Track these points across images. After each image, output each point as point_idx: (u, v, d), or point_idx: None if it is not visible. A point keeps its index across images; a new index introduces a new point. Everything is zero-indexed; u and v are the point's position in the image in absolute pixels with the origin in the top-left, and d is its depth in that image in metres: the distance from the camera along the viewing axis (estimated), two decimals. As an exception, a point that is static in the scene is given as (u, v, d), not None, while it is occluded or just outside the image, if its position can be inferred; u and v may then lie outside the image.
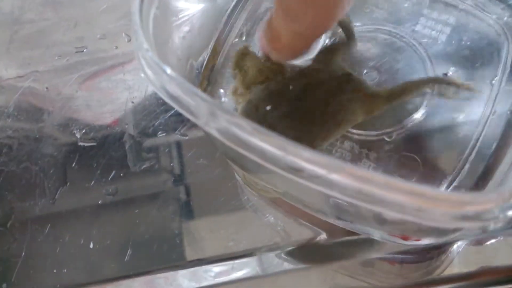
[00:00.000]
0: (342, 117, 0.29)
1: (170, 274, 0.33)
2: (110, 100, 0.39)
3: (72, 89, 0.39)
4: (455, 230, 0.29)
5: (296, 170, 0.20)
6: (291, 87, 0.29)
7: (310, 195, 0.30)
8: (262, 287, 0.33)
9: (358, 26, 0.35)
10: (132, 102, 0.38)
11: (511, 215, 0.19)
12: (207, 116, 0.22)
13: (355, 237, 0.33)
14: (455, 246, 0.33)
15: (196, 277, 0.33)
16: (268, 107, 0.28)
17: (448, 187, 0.31)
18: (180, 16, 0.29)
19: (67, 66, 0.41)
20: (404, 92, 0.30)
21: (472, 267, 0.33)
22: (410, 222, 0.19)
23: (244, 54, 0.32)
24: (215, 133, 0.22)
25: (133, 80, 0.39)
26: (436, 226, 0.20)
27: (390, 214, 0.19)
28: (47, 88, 0.40)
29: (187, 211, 0.35)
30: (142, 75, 0.23)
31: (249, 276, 0.33)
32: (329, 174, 0.20)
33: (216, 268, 0.34)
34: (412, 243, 0.30)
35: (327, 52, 0.31)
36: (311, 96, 0.29)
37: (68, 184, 0.36)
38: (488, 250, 0.33)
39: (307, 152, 0.20)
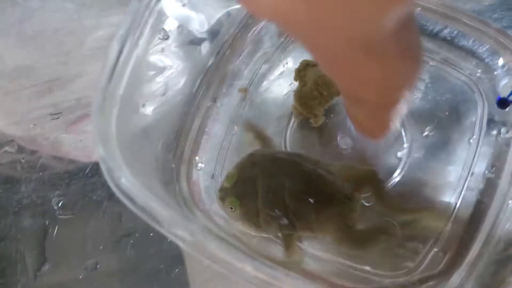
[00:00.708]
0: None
1: None
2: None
3: (47, 158, 0.39)
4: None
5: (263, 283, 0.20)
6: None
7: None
8: None
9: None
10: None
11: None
12: (169, 224, 0.21)
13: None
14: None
15: None
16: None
17: (429, 251, 0.30)
18: (146, 103, 0.29)
19: (42, 134, 0.40)
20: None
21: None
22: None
23: (308, 65, 0.32)
24: (179, 242, 0.21)
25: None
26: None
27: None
28: (23, 158, 0.39)
29: (175, 283, 0.34)
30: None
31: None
32: None
33: None
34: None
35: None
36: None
37: (48, 260, 0.36)
38: None
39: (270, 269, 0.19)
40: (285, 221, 0.28)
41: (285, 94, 0.34)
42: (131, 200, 0.22)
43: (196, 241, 0.21)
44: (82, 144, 0.40)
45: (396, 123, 0.21)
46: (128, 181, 0.22)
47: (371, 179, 0.31)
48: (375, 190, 0.30)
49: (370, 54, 0.17)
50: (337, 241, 0.29)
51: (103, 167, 0.22)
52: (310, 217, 0.28)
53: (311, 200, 0.28)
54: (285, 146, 0.33)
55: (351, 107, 0.21)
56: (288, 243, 0.29)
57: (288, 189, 0.28)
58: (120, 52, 0.24)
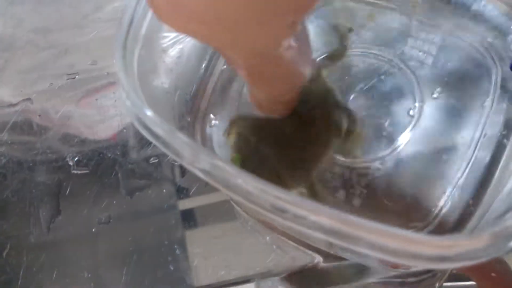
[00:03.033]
0: (321, 144, 0.29)
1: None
2: (105, 121, 0.40)
3: (65, 114, 0.40)
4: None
5: (279, 211, 0.20)
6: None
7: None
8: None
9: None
10: (124, 130, 0.39)
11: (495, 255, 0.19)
12: (191, 157, 0.22)
13: (350, 262, 0.33)
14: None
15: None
16: (258, 139, 0.29)
17: (439, 212, 0.31)
18: (166, 50, 0.29)
19: (59, 92, 0.41)
20: None
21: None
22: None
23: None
24: (199, 174, 0.22)
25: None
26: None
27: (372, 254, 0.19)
28: (39, 115, 0.40)
29: (181, 238, 0.35)
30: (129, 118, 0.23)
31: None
32: (311, 216, 0.20)
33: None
34: (402, 270, 0.30)
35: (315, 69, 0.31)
36: (297, 125, 0.29)
37: (62, 213, 0.37)
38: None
39: (288, 195, 0.20)
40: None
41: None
42: (154, 134, 0.22)
43: (217, 173, 0.21)
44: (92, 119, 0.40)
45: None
46: (151, 115, 0.22)
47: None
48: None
49: (267, 61, 0.22)
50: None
51: (125, 101, 0.23)
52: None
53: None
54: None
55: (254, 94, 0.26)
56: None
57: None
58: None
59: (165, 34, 0.31)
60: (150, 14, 0.26)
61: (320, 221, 0.19)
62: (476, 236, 0.18)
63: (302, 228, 0.20)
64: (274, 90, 0.25)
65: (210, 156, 0.22)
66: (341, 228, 0.19)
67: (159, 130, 0.22)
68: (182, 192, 0.36)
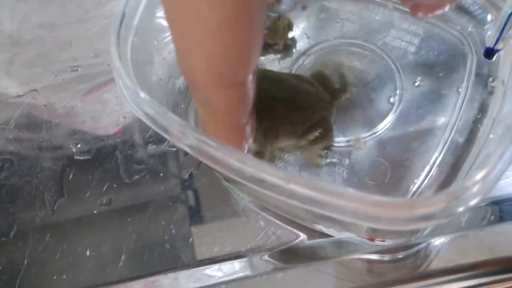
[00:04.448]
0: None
1: (163, 277, 0.36)
2: (107, 111, 0.42)
3: (69, 105, 0.42)
4: (412, 231, 0.31)
5: (257, 181, 0.22)
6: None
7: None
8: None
9: (329, 40, 0.37)
10: (124, 117, 0.41)
11: (453, 214, 0.21)
12: (178, 134, 0.24)
13: (332, 239, 0.35)
14: (436, 243, 0.35)
15: (192, 279, 0.36)
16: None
17: (417, 190, 0.33)
18: (160, 39, 0.31)
19: (63, 84, 0.43)
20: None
21: (451, 263, 0.34)
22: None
23: None
24: (186, 149, 0.24)
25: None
26: (390, 229, 0.22)
27: (347, 220, 0.21)
28: (45, 105, 0.42)
29: (177, 218, 0.37)
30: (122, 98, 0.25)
31: (241, 277, 0.35)
32: (287, 184, 0.22)
33: (210, 270, 0.36)
34: (378, 243, 0.32)
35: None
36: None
37: (65, 196, 0.39)
38: (465, 246, 0.35)
39: (267, 166, 0.22)
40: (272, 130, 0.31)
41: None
42: (145, 113, 0.24)
43: (202, 147, 0.23)
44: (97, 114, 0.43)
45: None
46: (142, 96, 0.24)
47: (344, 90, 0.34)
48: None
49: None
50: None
51: (119, 83, 0.25)
52: (297, 125, 0.31)
53: (298, 110, 0.31)
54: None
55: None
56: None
57: (279, 102, 0.31)
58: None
59: (160, 26, 0.33)
60: (142, 6, 0.28)
61: (293, 189, 0.21)
62: (433, 198, 0.20)
63: (279, 196, 0.22)
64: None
65: (196, 132, 0.24)
66: (311, 194, 0.21)
67: (149, 109, 0.24)
68: (177, 176, 0.38)
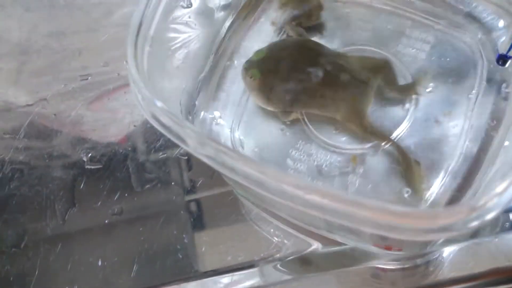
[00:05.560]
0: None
1: (176, 287, 0.36)
2: (117, 120, 0.42)
3: (79, 113, 0.42)
4: (429, 242, 0.31)
5: (279, 192, 0.22)
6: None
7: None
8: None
9: (342, 47, 0.37)
10: (134, 126, 0.41)
11: (472, 226, 0.21)
12: (196, 144, 0.24)
13: (347, 247, 0.35)
14: (449, 250, 0.35)
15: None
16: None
17: (429, 197, 0.32)
18: (173, 48, 0.32)
19: (72, 93, 0.43)
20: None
21: (463, 272, 0.34)
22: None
23: None
24: (204, 159, 0.24)
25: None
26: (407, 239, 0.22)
27: (366, 230, 0.21)
28: (55, 114, 0.42)
29: (189, 227, 0.37)
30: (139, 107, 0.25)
31: (253, 286, 0.35)
32: (307, 194, 0.22)
33: (222, 279, 0.36)
34: (395, 252, 0.32)
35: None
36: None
37: (76, 206, 0.39)
38: (479, 254, 0.35)
39: (287, 176, 0.22)
40: (298, 97, 0.33)
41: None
42: (162, 123, 0.24)
43: (220, 157, 0.23)
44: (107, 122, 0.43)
45: None
46: (160, 106, 0.24)
47: (385, 67, 0.35)
48: (388, 78, 0.34)
49: None
50: (346, 119, 0.33)
51: (137, 94, 0.25)
52: (325, 97, 0.33)
53: (330, 84, 0.33)
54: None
55: None
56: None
57: (309, 73, 0.33)
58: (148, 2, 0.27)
59: (173, 35, 0.33)
60: (158, 17, 0.28)
61: (313, 199, 0.21)
62: (454, 209, 0.20)
63: (298, 206, 0.22)
64: None
65: (214, 142, 0.24)
66: (332, 204, 0.21)
67: (166, 120, 0.24)
68: (189, 185, 0.38)
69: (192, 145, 0.24)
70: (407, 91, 0.34)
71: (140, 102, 0.25)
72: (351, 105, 0.33)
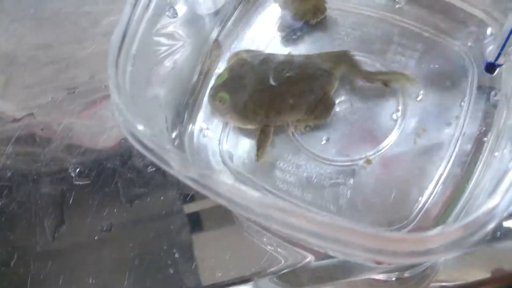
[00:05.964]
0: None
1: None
2: (106, 129, 0.41)
3: (67, 126, 0.41)
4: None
5: (263, 216, 0.22)
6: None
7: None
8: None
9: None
10: (122, 140, 0.40)
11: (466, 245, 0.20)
12: (180, 167, 0.23)
13: (340, 260, 0.34)
14: (441, 260, 0.35)
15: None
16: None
17: (422, 207, 0.32)
18: (158, 61, 0.31)
19: (60, 105, 0.43)
20: None
21: (456, 281, 0.34)
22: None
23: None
24: (188, 182, 0.24)
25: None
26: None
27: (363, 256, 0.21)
28: (42, 129, 0.42)
29: (180, 242, 0.36)
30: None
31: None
32: (297, 220, 0.21)
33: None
34: (385, 266, 0.32)
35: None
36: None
37: (66, 222, 0.38)
38: (471, 263, 0.34)
39: (270, 201, 0.21)
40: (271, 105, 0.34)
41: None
42: (146, 146, 0.24)
43: (204, 181, 0.23)
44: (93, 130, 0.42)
45: None
46: (142, 129, 0.24)
47: (346, 57, 0.36)
48: (350, 66, 0.36)
49: None
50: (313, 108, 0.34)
51: (119, 117, 0.24)
52: (295, 96, 0.34)
53: (296, 82, 0.34)
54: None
55: None
56: (262, 143, 0.34)
57: (274, 79, 0.34)
58: (131, 15, 0.27)
59: (157, 48, 0.33)
60: (141, 30, 0.27)
61: (300, 225, 0.21)
62: (446, 230, 0.20)
63: (285, 230, 0.22)
64: None
65: (197, 166, 0.23)
66: (320, 231, 0.21)
67: (149, 143, 0.24)
68: (179, 199, 0.38)
69: (176, 168, 0.23)
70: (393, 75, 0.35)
71: (122, 125, 0.24)
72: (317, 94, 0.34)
